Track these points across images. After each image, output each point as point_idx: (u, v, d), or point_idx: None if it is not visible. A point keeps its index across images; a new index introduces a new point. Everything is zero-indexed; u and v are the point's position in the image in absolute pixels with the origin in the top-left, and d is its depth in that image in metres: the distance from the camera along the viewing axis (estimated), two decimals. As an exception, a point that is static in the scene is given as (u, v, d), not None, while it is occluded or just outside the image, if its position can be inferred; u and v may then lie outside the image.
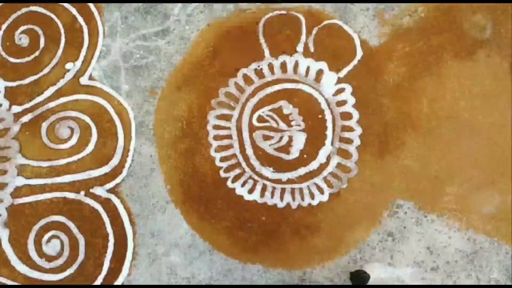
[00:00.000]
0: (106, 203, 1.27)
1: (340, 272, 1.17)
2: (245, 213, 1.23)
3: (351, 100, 1.29)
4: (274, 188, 1.24)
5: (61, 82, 1.38)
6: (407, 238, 1.17)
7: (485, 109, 1.25)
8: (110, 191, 1.28)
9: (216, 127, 1.31)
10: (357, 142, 1.26)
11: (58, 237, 1.25)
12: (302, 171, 1.26)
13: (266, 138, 1.29)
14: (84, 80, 1.38)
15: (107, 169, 1.30)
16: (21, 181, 1.30)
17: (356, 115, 1.28)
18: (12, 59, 1.42)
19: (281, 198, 1.23)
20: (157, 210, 1.26)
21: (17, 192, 1.29)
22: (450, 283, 1.14)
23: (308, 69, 1.33)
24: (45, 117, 1.35)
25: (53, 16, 1.46)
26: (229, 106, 1.33)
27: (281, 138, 1.28)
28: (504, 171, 1.20)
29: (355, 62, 1.32)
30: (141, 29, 1.42)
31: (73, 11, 1.45)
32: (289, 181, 1.25)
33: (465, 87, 1.27)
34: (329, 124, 1.28)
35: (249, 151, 1.28)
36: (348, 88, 1.30)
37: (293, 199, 1.23)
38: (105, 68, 1.40)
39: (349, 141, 1.26)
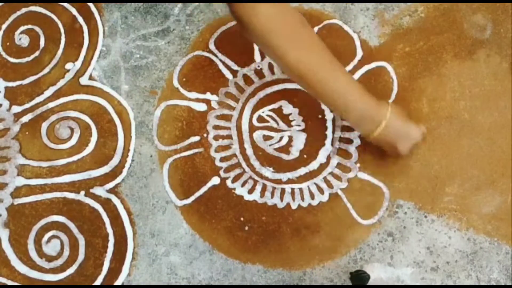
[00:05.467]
0: (106, 203, 1.26)
1: (340, 272, 1.17)
2: (245, 213, 1.23)
3: (351, 100, 1.29)
4: (274, 188, 1.24)
5: (61, 82, 1.38)
6: (407, 238, 1.17)
7: (485, 109, 1.25)
8: (110, 191, 1.28)
9: (216, 127, 1.31)
10: (357, 142, 1.26)
11: (58, 237, 1.25)
12: (302, 171, 1.25)
13: (266, 138, 1.29)
14: (84, 80, 1.38)
15: (107, 169, 1.29)
16: (21, 181, 1.30)
17: (356, 115, 1.28)
18: (12, 59, 1.42)
19: (281, 198, 1.23)
20: (157, 210, 1.26)
21: (17, 192, 1.29)
22: (450, 283, 1.14)
23: (308, 69, 1.32)
24: (45, 117, 1.35)
25: (53, 16, 1.46)
26: (229, 106, 1.33)
27: (281, 138, 1.28)
28: (504, 171, 1.20)
29: (355, 62, 1.32)
30: (141, 29, 1.42)
31: (73, 11, 1.45)
32: (289, 181, 1.25)
33: (465, 87, 1.27)
34: (329, 124, 1.28)
35: (249, 151, 1.28)
36: (348, 88, 1.30)
37: (293, 199, 1.23)
38: (105, 68, 1.40)
39: (349, 141, 1.26)
